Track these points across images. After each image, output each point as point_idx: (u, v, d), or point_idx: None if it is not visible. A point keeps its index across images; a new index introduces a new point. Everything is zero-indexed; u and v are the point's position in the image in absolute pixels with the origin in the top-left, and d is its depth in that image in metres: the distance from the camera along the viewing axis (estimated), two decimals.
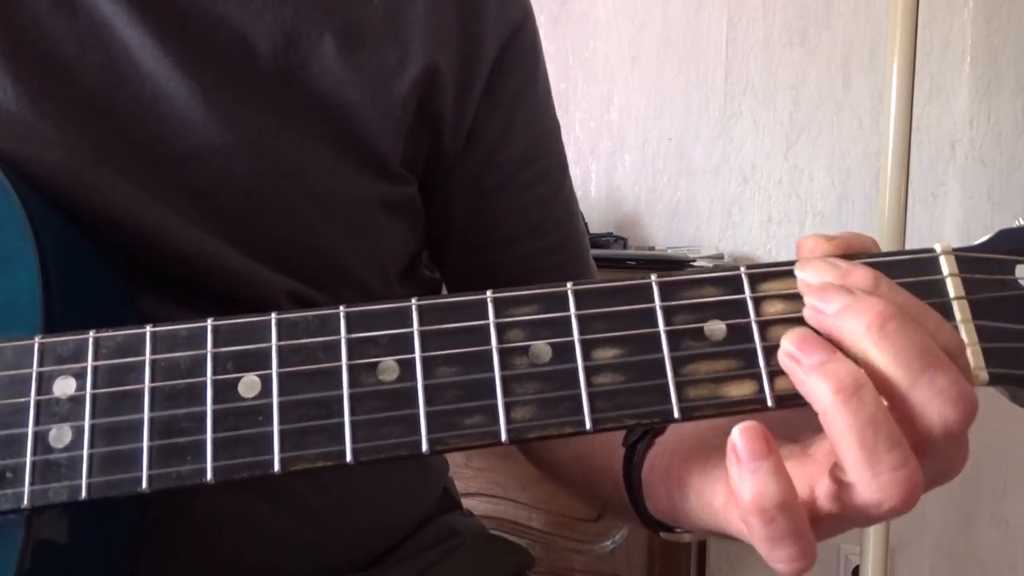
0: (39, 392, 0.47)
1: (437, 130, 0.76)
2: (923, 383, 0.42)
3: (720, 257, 2.04)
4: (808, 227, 2.11)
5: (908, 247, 1.82)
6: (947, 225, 2.05)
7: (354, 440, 0.45)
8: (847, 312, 0.44)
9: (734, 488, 0.42)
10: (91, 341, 0.48)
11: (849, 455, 0.42)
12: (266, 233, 0.67)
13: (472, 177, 0.79)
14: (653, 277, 0.47)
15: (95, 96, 0.62)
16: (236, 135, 0.65)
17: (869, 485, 0.41)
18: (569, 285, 0.47)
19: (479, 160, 0.79)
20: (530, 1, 0.83)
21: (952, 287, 0.47)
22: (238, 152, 0.65)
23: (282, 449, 0.45)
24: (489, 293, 0.47)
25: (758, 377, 0.46)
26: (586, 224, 2.01)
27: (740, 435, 0.42)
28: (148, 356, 0.47)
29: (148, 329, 0.48)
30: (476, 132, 0.78)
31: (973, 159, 2.02)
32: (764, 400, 0.45)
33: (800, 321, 0.46)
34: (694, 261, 1.90)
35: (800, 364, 0.44)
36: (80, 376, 0.47)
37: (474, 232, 0.81)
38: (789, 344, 0.44)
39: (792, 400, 0.45)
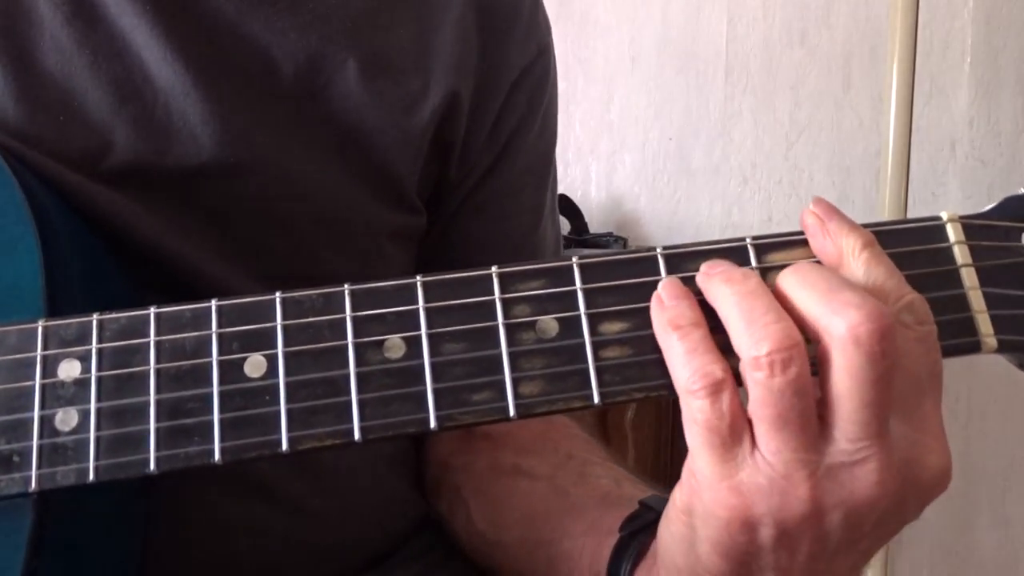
0: (44, 375, 0.47)
1: (446, 160, 0.75)
2: (828, 299, 0.44)
3: None
4: None
5: None
6: None
7: (362, 418, 0.45)
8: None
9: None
10: (95, 323, 0.48)
11: (733, 322, 0.45)
12: (270, 255, 0.67)
13: (456, 202, 0.79)
14: (658, 250, 0.47)
15: (101, 109, 0.62)
16: (251, 155, 0.65)
17: (748, 342, 0.44)
18: (575, 259, 0.47)
19: (466, 188, 0.78)
20: (550, 32, 0.83)
21: (959, 254, 0.48)
22: (251, 172, 0.65)
23: (290, 428, 0.45)
24: (494, 268, 0.47)
25: None
26: (586, 224, 2.02)
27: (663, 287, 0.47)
28: (152, 337, 0.47)
29: (152, 311, 0.48)
30: (473, 163, 0.77)
31: (973, 159, 2.03)
32: None
33: None
34: None
35: (707, 275, 0.48)
36: (84, 359, 0.47)
37: (443, 254, 0.79)
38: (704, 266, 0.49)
39: None
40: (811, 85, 2.07)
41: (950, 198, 2.04)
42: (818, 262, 0.48)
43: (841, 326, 0.43)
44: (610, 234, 2.03)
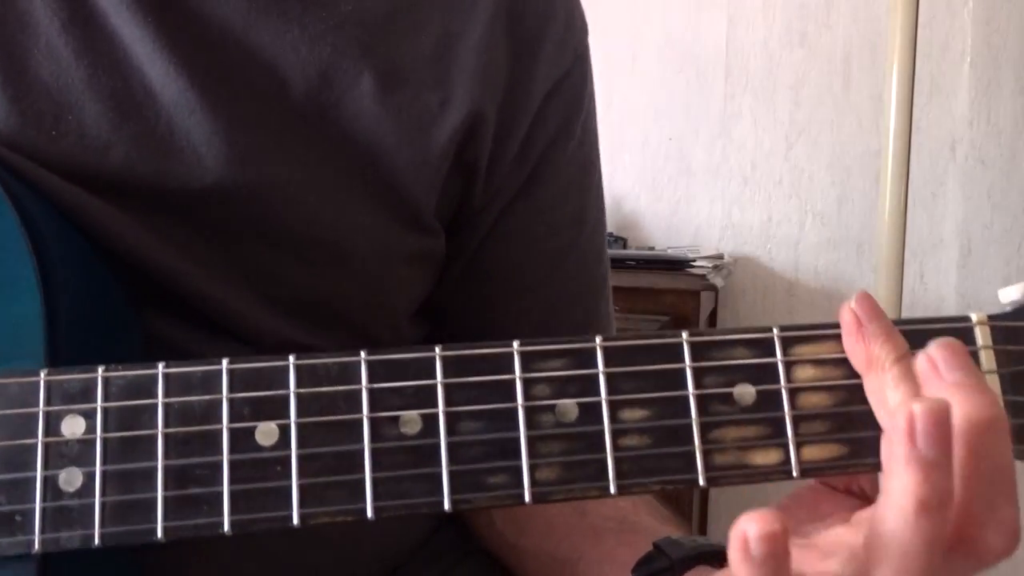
0: (47, 433, 0.46)
1: (470, 181, 0.71)
2: (984, 504, 0.42)
3: (720, 257, 2.03)
4: (808, 227, 2.10)
5: (908, 247, 1.80)
6: (947, 225, 2.05)
7: (375, 497, 0.44)
8: (961, 391, 0.42)
9: None
10: (100, 379, 0.46)
11: (966, 498, 0.41)
12: (278, 278, 0.64)
13: (485, 226, 0.74)
14: (684, 335, 0.46)
15: (99, 124, 0.59)
16: (258, 176, 0.61)
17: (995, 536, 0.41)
18: (598, 341, 0.46)
19: (495, 211, 0.73)
20: (587, 31, 0.78)
21: (985, 360, 0.47)
22: (258, 194, 0.62)
23: (302, 504, 0.44)
24: (516, 345, 0.46)
25: (785, 446, 0.45)
26: None
27: (755, 536, 0.39)
28: (160, 399, 0.46)
29: (160, 370, 0.46)
30: (501, 184, 0.72)
31: (973, 159, 2.03)
32: (790, 470, 0.45)
33: (830, 389, 0.46)
34: (694, 261, 1.90)
35: (940, 376, 0.43)
36: (89, 416, 0.46)
37: (474, 280, 0.76)
38: (939, 349, 0.43)
39: (816, 471, 0.45)
40: (811, 85, 2.07)
41: (950, 198, 2.04)
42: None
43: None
44: (610, 234, 2.02)
